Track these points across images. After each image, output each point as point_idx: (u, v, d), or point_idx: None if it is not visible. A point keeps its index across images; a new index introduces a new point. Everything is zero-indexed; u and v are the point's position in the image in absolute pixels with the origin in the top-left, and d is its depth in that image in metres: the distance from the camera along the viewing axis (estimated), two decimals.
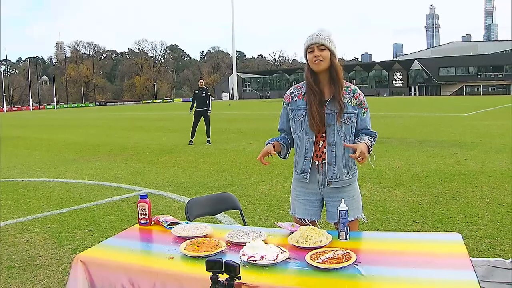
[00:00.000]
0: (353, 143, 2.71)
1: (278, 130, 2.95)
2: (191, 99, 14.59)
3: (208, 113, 13.86)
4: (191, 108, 14.06)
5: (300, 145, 2.77)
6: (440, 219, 5.25)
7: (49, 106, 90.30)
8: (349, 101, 2.72)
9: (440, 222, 5.14)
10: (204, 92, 13.90)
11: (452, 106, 34.55)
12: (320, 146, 2.74)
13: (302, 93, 2.77)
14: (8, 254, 4.55)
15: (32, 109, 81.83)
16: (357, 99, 2.74)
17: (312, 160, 2.75)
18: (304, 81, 2.82)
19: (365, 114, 2.78)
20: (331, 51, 2.68)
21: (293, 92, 2.84)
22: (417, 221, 5.21)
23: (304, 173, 2.78)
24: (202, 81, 14.41)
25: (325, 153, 2.72)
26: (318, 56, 2.65)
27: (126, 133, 19.22)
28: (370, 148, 2.67)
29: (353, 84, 2.85)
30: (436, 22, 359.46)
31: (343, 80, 2.72)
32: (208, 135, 13.98)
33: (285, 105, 2.86)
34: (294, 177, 2.90)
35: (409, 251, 2.22)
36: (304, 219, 2.83)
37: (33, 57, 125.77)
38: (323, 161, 2.74)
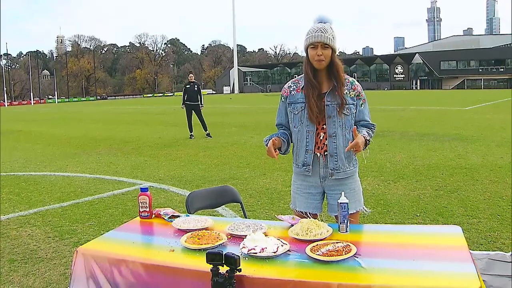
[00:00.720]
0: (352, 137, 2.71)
1: (276, 125, 2.93)
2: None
3: (200, 107, 13.88)
4: (183, 104, 14.07)
5: (301, 138, 2.77)
6: (441, 213, 5.25)
7: (50, 100, 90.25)
8: (348, 92, 2.72)
9: (440, 216, 5.15)
10: (195, 86, 13.92)
11: (453, 100, 34.49)
12: (321, 138, 2.74)
13: (301, 87, 2.77)
14: (9, 247, 4.56)
15: (33, 104, 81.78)
16: (355, 91, 2.75)
17: (314, 152, 2.75)
18: (301, 75, 2.82)
19: (363, 105, 2.79)
20: (333, 49, 2.67)
21: (291, 86, 2.83)
22: (418, 215, 5.22)
23: (306, 166, 2.77)
24: (192, 75, 14.42)
25: (326, 144, 2.73)
26: (320, 55, 2.64)
27: (127, 127, 19.23)
28: (367, 142, 2.67)
29: (354, 77, 2.84)
30: (438, 16, 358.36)
31: (343, 76, 2.72)
32: (205, 129, 13.97)
33: (283, 99, 2.85)
34: (295, 171, 2.89)
35: (409, 243, 2.23)
36: (305, 212, 2.84)
37: (34, 51, 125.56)
38: (325, 153, 2.74)
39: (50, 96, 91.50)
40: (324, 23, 2.68)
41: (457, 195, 6.01)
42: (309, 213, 2.82)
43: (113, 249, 2.32)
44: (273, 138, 2.72)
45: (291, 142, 2.86)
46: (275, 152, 2.66)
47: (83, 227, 5.18)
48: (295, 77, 2.91)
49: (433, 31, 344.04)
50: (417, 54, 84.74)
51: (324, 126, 2.72)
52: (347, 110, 2.71)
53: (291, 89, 2.82)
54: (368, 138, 2.67)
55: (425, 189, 6.39)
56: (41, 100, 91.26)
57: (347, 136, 2.72)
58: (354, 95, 2.74)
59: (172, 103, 40.73)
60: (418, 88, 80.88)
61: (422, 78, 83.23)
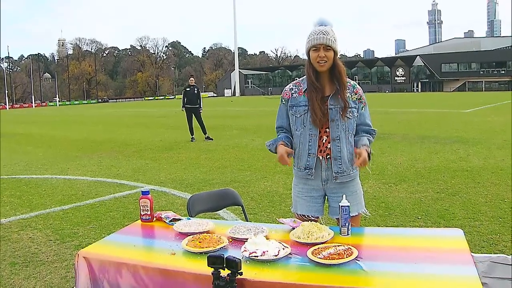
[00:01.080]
0: (354, 143, 2.75)
1: (277, 128, 2.90)
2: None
3: (200, 111, 13.97)
4: (183, 106, 14.10)
5: (303, 141, 2.76)
6: (442, 215, 5.24)
7: (51, 103, 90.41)
8: (350, 96, 2.73)
9: (442, 218, 5.14)
10: (195, 89, 14.02)
11: (454, 102, 34.46)
12: (323, 141, 2.74)
13: (303, 90, 2.76)
14: (11, 250, 4.56)
15: (35, 106, 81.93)
16: (357, 94, 2.76)
17: (316, 156, 2.74)
18: (302, 77, 2.81)
19: (364, 109, 2.80)
20: (335, 52, 2.67)
21: (292, 89, 2.82)
22: (419, 217, 5.21)
23: (309, 169, 2.77)
24: (193, 78, 14.53)
25: (329, 148, 2.73)
26: (323, 57, 2.64)
27: (129, 130, 19.23)
28: (369, 154, 2.67)
29: (355, 80, 2.85)
30: (439, 18, 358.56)
31: (346, 79, 2.73)
32: (204, 132, 14.03)
33: (284, 102, 2.84)
34: (296, 174, 2.88)
35: (410, 246, 2.22)
36: (307, 216, 2.83)
37: (35, 54, 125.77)
38: (327, 156, 2.74)
39: (56, 99, 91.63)
40: (325, 25, 2.69)
41: (458, 197, 6.00)
42: (311, 216, 2.82)
43: (114, 252, 2.32)
44: (280, 143, 2.73)
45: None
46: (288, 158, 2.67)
47: (84, 230, 5.18)
48: (296, 79, 2.91)
49: (434, 34, 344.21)
50: (418, 56, 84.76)
51: (327, 130, 2.72)
52: (350, 114, 2.71)
53: (293, 91, 2.81)
54: (369, 150, 2.68)
55: (427, 191, 6.38)
56: (43, 103, 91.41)
57: (350, 139, 2.74)
58: (356, 98, 2.75)
59: (173, 106, 40.76)
60: (419, 91, 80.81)
61: (423, 80, 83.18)
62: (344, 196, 2.46)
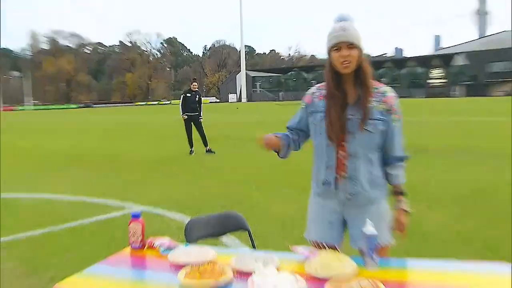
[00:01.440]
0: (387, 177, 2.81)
1: (287, 127, 2.98)
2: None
3: (200, 119, 14.12)
4: (184, 113, 14.20)
5: (320, 152, 2.77)
6: (488, 245, 5.20)
7: (20, 108, 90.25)
8: (376, 105, 2.67)
9: (488, 249, 5.10)
10: (197, 95, 14.23)
11: (505, 109, 34.28)
12: (341, 157, 2.71)
13: (324, 94, 2.77)
14: None
15: (2, 110, 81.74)
16: (387, 104, 2.69)
17: (335, 172, 2.73)
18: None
19: (396, 123, 2.72)
20: (360, 50, 2.65)
21: (314, 93, 2.84)
22: (461, 247, 5.18)
23: (327, 185, 2.76)
24: (196, 83, 14.67)
25: (345, 165, 2.71)
26: (347, 56, 2.61)
27: (117, 140, 19.32)
28: (406, 211, 2.79)
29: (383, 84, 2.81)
30: (484, 8, 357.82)
31: (371, 84, 2.69)
32: (205, 144, 14.18)
33: (304, 105, 2.87)
34: (314, 192, 2.89)
35: (449, 283, 2.21)
36: (320, 243, 2.83)
37: (2, 48, 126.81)
38: (343, 174, 2.72)
39: (29, 102, 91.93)
40: (346, 21, 2.69)
41: (509, 224, 5.95)
42: (326, 244, 2.81)
43: (97, 287, 2.32)
44: (277, 135, 2.85)
45: (294, 148, 2.94)
46: (277, 139, 2.78)
47: (60, 259, 5.17)
48: (313, 83, 2.94)
49: (478, 27, 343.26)
50: (458, 54, 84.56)
51: (344, 144, 2.69)
52: (371, 126, 2.64)
53: (314, 96, 2.83)
54: (405, 207, 2.79)
55: (470, 216, 6.34)
56: (10, 106, 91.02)
57: (370, 156, 2.70)
58: (384, 109, 2.68)
59: (169, 113, 40.98)
60: (460, 95, 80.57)
61: (465, 83, 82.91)
62: (368, 221, 2.43)
